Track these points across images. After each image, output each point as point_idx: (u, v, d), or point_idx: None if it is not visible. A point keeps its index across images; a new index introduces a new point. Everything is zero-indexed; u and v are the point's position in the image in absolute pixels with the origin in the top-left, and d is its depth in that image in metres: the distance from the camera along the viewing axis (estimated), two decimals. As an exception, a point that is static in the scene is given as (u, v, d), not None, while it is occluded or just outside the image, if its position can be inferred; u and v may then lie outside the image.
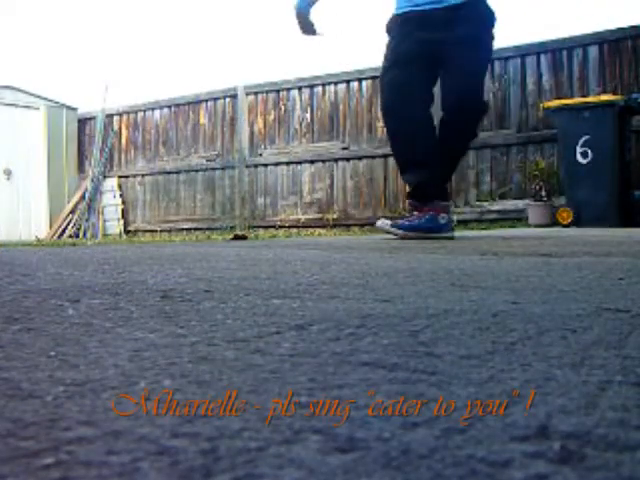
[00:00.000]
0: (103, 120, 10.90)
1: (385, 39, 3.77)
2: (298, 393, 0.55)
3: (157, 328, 0.87)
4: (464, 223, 7.45)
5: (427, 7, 3.58)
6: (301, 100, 9.13)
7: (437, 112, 3.68)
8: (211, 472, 0.39)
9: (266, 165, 9.38)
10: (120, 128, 10.90)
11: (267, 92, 9.43)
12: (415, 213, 3.66)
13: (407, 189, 4.01)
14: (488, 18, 3.67)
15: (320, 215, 8.87)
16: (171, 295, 1.19)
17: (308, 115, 9.07)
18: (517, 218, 7.25)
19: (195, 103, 10.08)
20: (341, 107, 8.80)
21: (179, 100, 10.25)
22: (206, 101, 9.98)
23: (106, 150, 10.87)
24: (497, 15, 3.69)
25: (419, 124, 3.62)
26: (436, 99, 3.71)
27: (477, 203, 7.76)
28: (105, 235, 10.42)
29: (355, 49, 22.36)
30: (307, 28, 3.75)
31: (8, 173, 10.52)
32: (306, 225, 8.82)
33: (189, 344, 0.76)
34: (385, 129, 3.90)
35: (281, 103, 9.32)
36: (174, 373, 0.62)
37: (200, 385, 0.58)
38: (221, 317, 0.95)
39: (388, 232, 3.67)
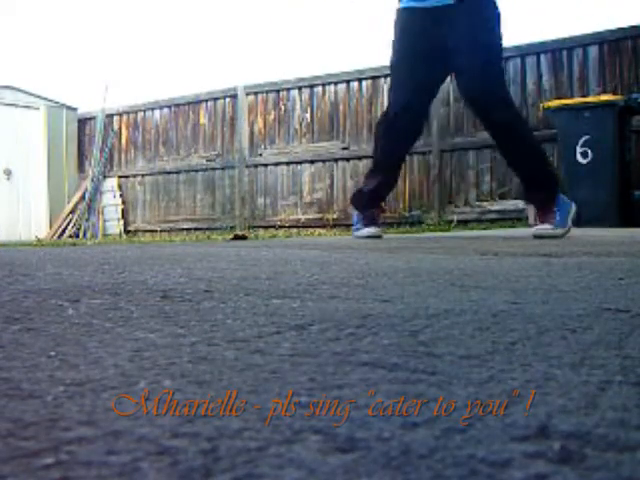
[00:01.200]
0: (103, 120, 10.89)
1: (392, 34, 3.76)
2: (298, 393, 0.55)
3: (157, 328, 0.87)
4: (464, 223, 7.45)
5: (429, 4, 3.55)
6: (301, 100, 9.13)
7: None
8: (211, 472, 0.39)
9: (266, 165, 9.38)
10: (120, 128, 10.90)
11: (267, 92, 9.42)
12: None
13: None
14: (491, 11, 3.57)
15: (320, 215, 8.86)
16: (171, 295, 1.19)
17: (308, 115, 9.06)
18: (517, 218, 7.24)
19: (195, 103, 10.08)
20: (341, 107, 8.80)
21: (179, 100, 10.24)
22: (206, 101, 9.97)
23: (106, 150, 10.87)
24: (501, 12, 3.60)
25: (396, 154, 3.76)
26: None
27: (477, 203, 7.76)
28: (105, 235, 10.42)
29: (355, 49, 22.37)
30: None
31: (8, 173, 10.52)
32: (306, 225, 8.82)
33: (189, 344, 0.76)
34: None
35: (281, 103, 9.31)
36: (174, 373, 0.62)
37: (200, 385, 0.58)
38: (221, 317, 0.95)
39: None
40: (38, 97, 10.89)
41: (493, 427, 0.46)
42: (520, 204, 7.32)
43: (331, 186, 8.86)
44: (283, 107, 9.29)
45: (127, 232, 10.55)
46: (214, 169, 9.84)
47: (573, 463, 0.39)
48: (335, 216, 8.74)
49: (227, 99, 9.76)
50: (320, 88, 8.97)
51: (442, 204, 7.93)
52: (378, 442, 0.43)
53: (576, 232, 4.69)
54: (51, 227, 10.78)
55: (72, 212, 10.79)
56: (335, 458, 0.41)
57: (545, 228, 3.45)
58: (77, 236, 10.25)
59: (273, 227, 8.89)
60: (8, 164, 10.50)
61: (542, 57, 7.44)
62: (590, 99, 6.27)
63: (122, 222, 10.66)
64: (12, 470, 0.39)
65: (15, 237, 10.09)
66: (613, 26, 7.04)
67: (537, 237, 3.41)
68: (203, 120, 10.00)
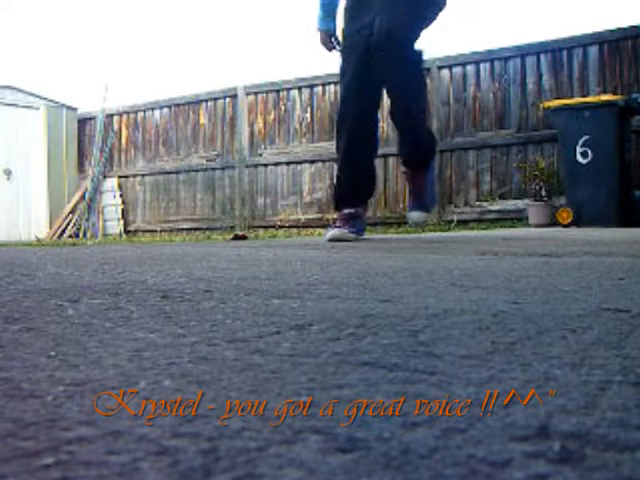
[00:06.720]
0: (103, 120, 10.89)
1: None
2: (298, 393, 0.55)
3: (157, 328, 0.87)
4: (464, 223, 7.45)
5: None
6: (301, 100, 9.13)
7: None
8: (211, 472, 0.39)
9: (266, 165, 9.38)
10: (120, 128, 10.90)
11: (267, 92, 9.42)
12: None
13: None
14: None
15: (320, 215, 8.86)
16: (171, 295, 1.19)
17: (308, 115, 9.07)
18: (517, 218, 7.25)
19: (195, 103, 10.08)
20: (341, 107, 8.79)
21: (179, 100, 10.24)
22: (206, 101, 9.97)
23: (106, 150, 10.87)
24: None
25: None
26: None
27: (477, 203, 7.76)
28: (105, 235, 10.42)
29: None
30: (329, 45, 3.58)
31: (8, 173, 10.52)
32: (306, 225, 8.82)
33: (189, 344, 0.76)
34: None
35: (281, 103, 9.31)
36: (174, 373, 0.62)
37: (200, 385, 0.58)
38: (221, 317, 0.95)
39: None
40: (38, 97, 10.89)
41: (493, 427, 0.46)
42: (520, 204, 7.33)
43: (331, 186, 8.85)
44: (283, 107, 9.29)
45: (127, 232, 10.55)
46: (214, 169, 9.84)
47: (573, 463, 0.39)
48: (335, 216, 8.73)
49: (227, 99, 9.76)
50: (320, 88, 8.97)
51: (442, 204, 7.93)
52: (378, 442, 0.43)
53: (576, 232, 4.69)
54: (51, 227, 10.78)
55: (72, 212, 10.79)
56: (335, 458, 0.41)
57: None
58: (77, 236, 10.25)
59: (273, 227, 8.89)
60: (8, 164, 10.51)
61: (542, 57, 7.45)
62: (590, 99, 6.27)
63: (122, 222, 10.66)
64: (12, 470, 0.39)
65: (15, 237, 10.09)
66: (613, 26, 7.05)
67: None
68: (203, 120, 10.00)
